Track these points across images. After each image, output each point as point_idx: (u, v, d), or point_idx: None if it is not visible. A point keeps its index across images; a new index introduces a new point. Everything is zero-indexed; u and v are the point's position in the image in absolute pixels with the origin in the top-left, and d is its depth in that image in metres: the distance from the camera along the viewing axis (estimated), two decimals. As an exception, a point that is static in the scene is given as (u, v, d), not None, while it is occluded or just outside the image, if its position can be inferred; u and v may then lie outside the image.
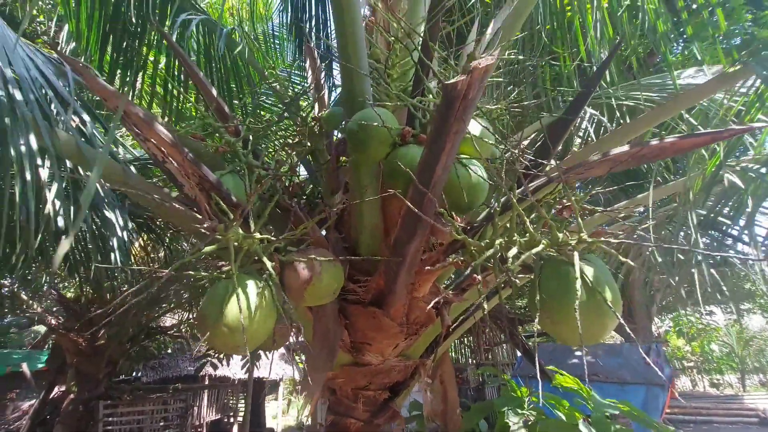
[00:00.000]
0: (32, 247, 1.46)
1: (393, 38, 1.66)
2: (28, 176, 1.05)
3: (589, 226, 2.17)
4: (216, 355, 6.19)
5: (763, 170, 1.75)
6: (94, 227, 2.37)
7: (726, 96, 1.83)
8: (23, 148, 1.02)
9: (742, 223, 2.52)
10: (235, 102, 3.11)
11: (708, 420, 11.71)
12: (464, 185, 1.30)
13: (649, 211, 2.14)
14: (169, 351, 8.57)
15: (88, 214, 1.81)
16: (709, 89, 1.67)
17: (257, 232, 1.30)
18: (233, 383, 9.43)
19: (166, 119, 3.28)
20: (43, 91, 1.28)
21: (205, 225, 1.13)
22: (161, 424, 6.59)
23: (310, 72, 2.41)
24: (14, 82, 1.12)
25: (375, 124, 1.29)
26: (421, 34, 1.37)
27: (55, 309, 5.60)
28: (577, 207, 0.96)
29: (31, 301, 5.42)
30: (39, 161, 1.10)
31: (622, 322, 0.94)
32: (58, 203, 1.73)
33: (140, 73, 3.10)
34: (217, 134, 1.50)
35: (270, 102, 3.76)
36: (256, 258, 1.30)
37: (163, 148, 1.20)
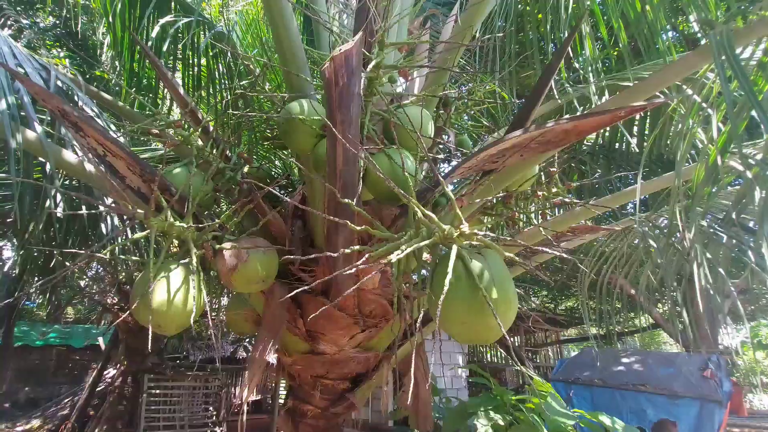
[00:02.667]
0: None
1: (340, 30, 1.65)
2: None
3: (574, 220, 2.01)
4: (248, 339, 6.57)
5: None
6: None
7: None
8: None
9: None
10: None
11: (782, 443, 10.35)
12: (388, 176, 1.27)
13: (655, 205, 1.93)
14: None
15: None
16: (678, 71, 1.47)
17: (190, 221, 1.37)
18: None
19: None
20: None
21: (129, 212, 1.22)
22: (202, 398, 7.13)
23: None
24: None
25: (298, 116, 1.30)
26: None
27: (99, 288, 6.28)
28: (454, 200, 0.91)
29: (91, 282, 6.12)
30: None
31: (500, 323, 0.88)
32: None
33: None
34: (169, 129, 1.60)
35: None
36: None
37: (103, 144, 1.31)
